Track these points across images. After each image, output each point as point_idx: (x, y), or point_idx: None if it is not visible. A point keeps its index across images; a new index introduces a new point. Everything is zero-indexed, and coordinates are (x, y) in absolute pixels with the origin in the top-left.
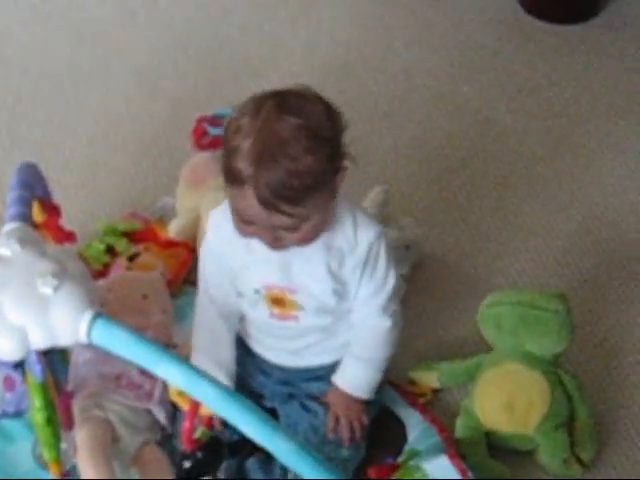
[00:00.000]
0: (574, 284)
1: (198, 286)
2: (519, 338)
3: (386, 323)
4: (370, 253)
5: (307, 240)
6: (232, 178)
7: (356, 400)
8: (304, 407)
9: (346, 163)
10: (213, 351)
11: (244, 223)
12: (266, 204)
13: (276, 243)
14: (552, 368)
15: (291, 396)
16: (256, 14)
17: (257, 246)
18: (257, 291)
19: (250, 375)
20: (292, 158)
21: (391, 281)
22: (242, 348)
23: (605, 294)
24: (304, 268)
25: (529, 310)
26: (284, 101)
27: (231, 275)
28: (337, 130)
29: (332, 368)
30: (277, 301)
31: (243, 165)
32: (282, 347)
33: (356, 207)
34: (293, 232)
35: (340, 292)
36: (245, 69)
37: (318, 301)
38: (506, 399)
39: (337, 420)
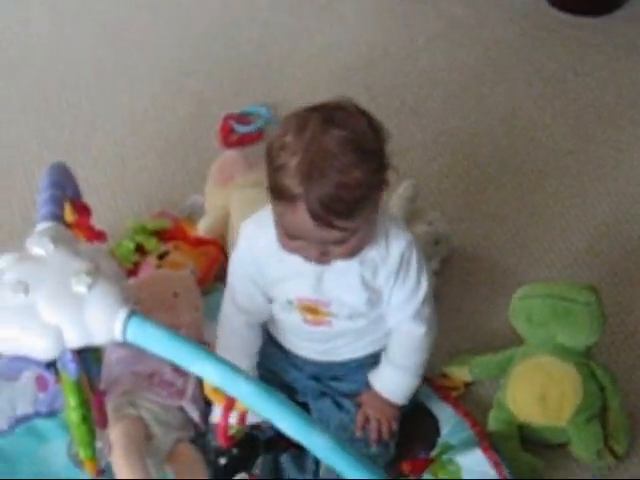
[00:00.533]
0: (604, 276)
1: (225, 297)
2: (550, 330)
3: (421, 329)
4: (402, 262)
5: (353, 254)
6: (281, 195)
7: (390, 404)
8: (336, 404)
9: (389, 175)
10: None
11: (290, 238)
12: (319, 219)
13: (322, 258)
14: (584, 360)
15: (323, 393)
16: (280, 12)
17: (291, 259)
18: (290, 302)
19: (283, 370)
20: (341, 171)
21: (424, 287)
22: (274, 344)
23: (635, 286)
24: (338, 281)
25: (560, 302)
26: (329, 115)
27: (263, 284)
28: (381, 141)
29: (363, 364)
30: (310, 310)
31: (292, 182)
32: (313, 348)
33: (386, 216)
34: (341, 245)
35: (374, 300)
36: (270, 67)
37: (351, 309)
38: (539, 391)
39: (367, 420)
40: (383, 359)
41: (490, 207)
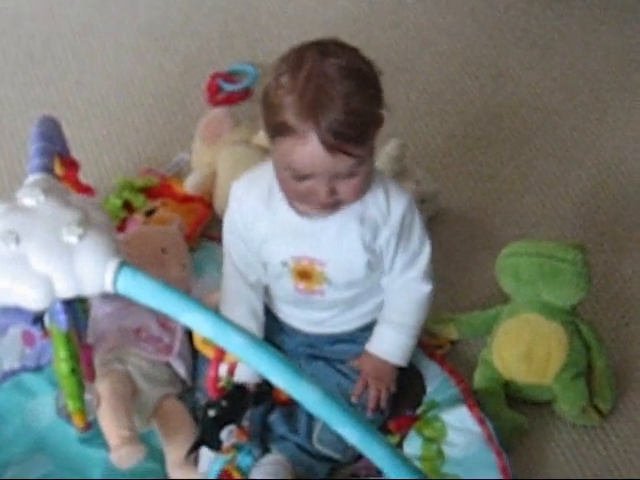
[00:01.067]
0: (590, 236)
1: (224, 258)
2: (537, 288)
3: (426, 288)
4: (404, 224)
5: (359, 192)
6: (288, 131)
7: (389, 367)
8: (330, 366)
9: (383, 113)
10: (243, 320)
11: (299, 179)
12: (331, 147)
13: (330, 199)
14: (570, 318)
15: (316, 357)
16: None
17: (286, 216)
18: (284, 263)
19: (272, 333)
20: (346, 96)
21: (427, 248)
22: (265, 309)
23: (621, 245)
24: (336, 240)
25: (547, 260)
26: (323, 48)
27: (256, 246)
28: (375, 72)
29: (356, 333)
30: (304, 274)
31: (300, 115)
32: (305, 317)
33: (385, 177)
34: (349, 180)
35: (373, 264)
36: (256, 25)
37: (348, 273)
38: (524, 349)
39: (365, 387)
40: (380, 322)
41: (476, 166)
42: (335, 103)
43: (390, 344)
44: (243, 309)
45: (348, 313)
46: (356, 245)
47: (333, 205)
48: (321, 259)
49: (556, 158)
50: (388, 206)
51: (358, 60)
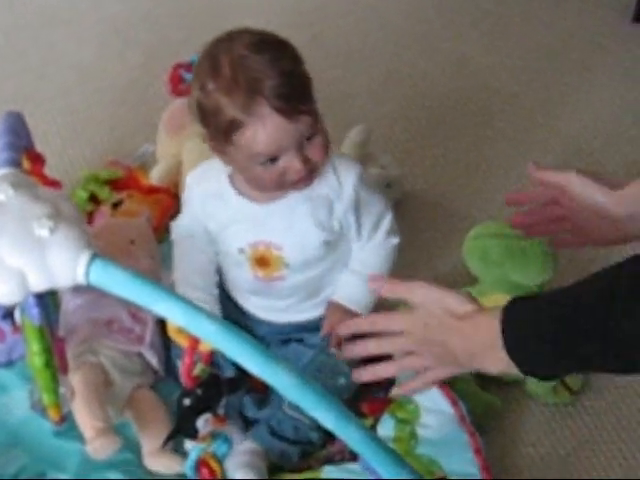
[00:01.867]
0: None
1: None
2: (505, 269)
3: (393, 241)
4: (358, 194)
5: (325, 148)
6: (239, 124)
7: (352, 315)
8: (301, 344)
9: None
10: (196, 280)
11: (270, 164)
12: (286, 111)
13: (306, 166)
14: None
15: (286, 342)
16: None
17: (237, 204)
18: (241, 250)
19: (237, 320)
20: (273, 63)
21: (387, 209)
22: (227, 300)
23: None
24: (288, 222)
25: (514, 241)
26: (228, 36)
27: (211, 236)
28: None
29: (321, 320)
30: (262, 261)
31: (244, 103)
32: (268, 305)
33: (332, 155)
34: (314, 140)
35: (331, 242)
36: (217, 14)
37: (305, 254)
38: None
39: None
40: (345, 273)
41: (440, 150)
42: (267, 74)
43: (354, 292)
44: (194, 269)
45: (311, 299)
46: (308, 225)
47: (309, 174)
48: (276, 243)
49: (519, 140)
50: (338, 180)
51: (262, 32)
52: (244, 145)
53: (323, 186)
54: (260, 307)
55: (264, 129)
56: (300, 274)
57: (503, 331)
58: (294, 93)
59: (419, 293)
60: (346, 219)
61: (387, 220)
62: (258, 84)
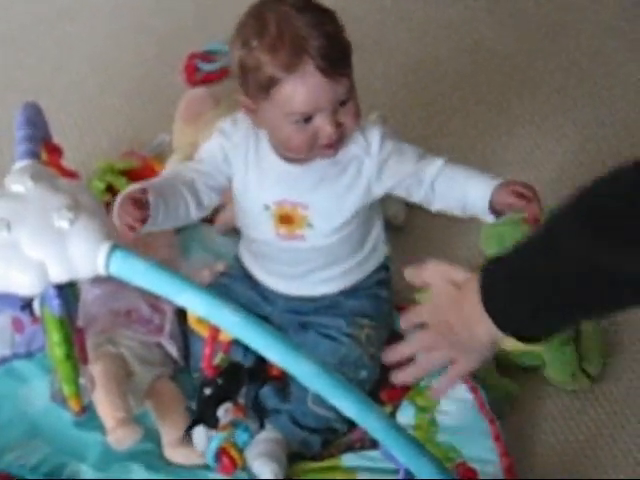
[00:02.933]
0: None
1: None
2: None
3: (439, 162)
4: (384, 145)
5: (358, 115)
6: (280, 79)
7: None
8: (321, 335)
9: None
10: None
11: (304, 123)
12: (327, 71)
13: (337, 130)
14: None
15: (304, 326)
16: None
17: (271, 160)
18: (267, 207)
19: (256, 305)
20: (318, 25)
21: (415, 147)
22: (244, 279)
23: None
24: (319, 184)
25: (532, 227)
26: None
27: (237, 188)
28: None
29: (337, 299)
30: (286, 218)
31: (288, 59)
32: (284, 272)
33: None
34: (348, 105)
35: (358, 210)
36: (231, 3)
37: (330, 217)
38: None
39: None
40: (461, 183)
41: (456, 138)
42: (313, 34)
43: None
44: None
45: (328, 270)
46: (337, 188)
47: (338, 140)
48: (303, 203)
49: (535, 125)
50: (365, 137)
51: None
52: (281, 101)
53: (353, 147)
54: (276, 274)
55: (304, 86)
56: (322, 237)
57: (482, 298)
58: (337, 55)
59: (430, 269)
60: (380, 172)
61: (419, 153)
62: (304, 42)
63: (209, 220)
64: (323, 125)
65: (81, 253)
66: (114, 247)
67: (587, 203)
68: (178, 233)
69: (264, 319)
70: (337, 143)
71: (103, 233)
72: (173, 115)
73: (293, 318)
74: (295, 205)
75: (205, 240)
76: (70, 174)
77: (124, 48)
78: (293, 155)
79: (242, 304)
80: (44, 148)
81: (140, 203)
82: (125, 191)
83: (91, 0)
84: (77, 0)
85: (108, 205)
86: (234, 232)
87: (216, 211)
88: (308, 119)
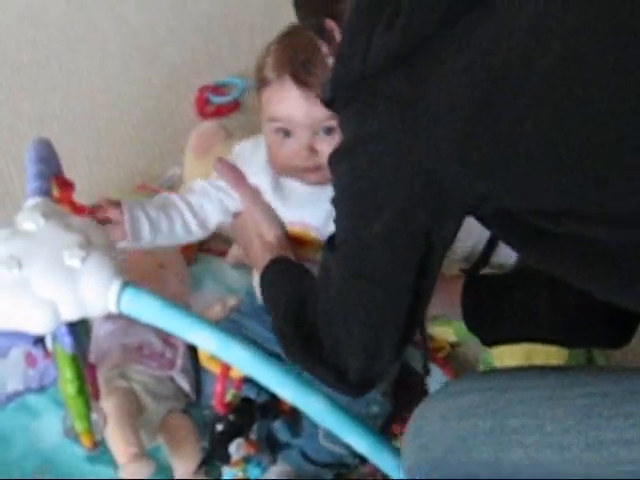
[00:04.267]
0: None
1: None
2: None
3: None
4: None
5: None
6: (265, 81)
7: None
8: None
9: None
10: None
11: (283, 135)
12: (301, 81)
13: (310, 157)
14: None
15: None
16: None
17: (290, 182)
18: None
19: (268, 342)
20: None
21: None
22: (256, 315)
23: None
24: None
25: None
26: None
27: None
28: None
29: None
30: (296, 240)
31: (274, 65)
32: None
33: None
34: (329, 137)
35: None
36: (245, 36)
37: None
38: (525, 350)
39: None
40: None
41: None
42: (308, 51)
43: None
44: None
45: None
46: None
47: (316, 169)
48: (315, 225)
49: None
50: None
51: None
52: (264, 102)
53: None
54: None
55: (282, 92)
56: None
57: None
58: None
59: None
60: None
61: None
62: (300, 54)
63: (221, 254)
64: (295, 144)
65: (92, 292)
66: (125, 285)
67: None
68: (190, 266)
69: (276, 357)
70: (315, 169)
71: (113, 270)
72: (184, 148)
73: None
74: (307, 227)
75: (217, 274)
76: (81, 209)
77: (135, 80)
78: (277, 170)
79: (254, 341)
80: (55, 183)
81: (115, 223)
82: (96, 208)
83: (102, 31)
84: (88, 31)
85: None
86: (246, 266)
87: (229, 244)
88: (287, 133)
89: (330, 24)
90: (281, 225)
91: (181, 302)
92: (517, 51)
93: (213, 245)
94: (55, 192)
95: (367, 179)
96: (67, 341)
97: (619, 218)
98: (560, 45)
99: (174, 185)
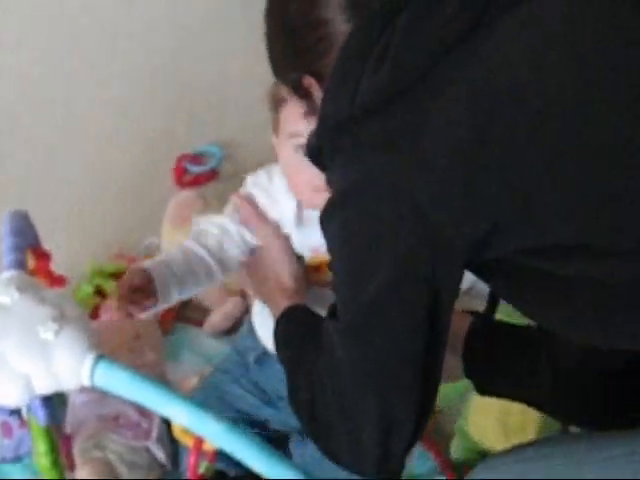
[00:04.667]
0: None
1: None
2: None
3: None
4: None
5: None
6: (280, 101)
7: None
8: None
9: None
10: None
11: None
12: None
13: None
14: None
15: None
16: (230, 56)
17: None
18: (299, 257)
19: (253, 407)
20: None
21: None
22: (240, 377)
23: None
24: None
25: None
26: None
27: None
28: None
29: None
30: (316, 267)
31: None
32: None
33: None
34: None
35: None
36: (224, 106)
37: None
38: (500, 416)
39: None
40: None
41: None
42: None
43: None
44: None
45: None
46: None
47: None
48: None
49: None
50: None
51: None
52: (282, 122)
53: None
54: None
55: (299, 108)
56: None
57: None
58: None
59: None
60: None
61: None
62: None
63: (199, 323)
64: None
65: (66, 365)
66: (98, 358)
67: None
68: (166, 335)
69: (261, 424)
70: None
71: (87, 344)
72: (162, 217)
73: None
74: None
75: (194, 343)
76: (58, 280)
77: (113, 149)
78: (299, 196)
79: (236, 410)
80: (32, 254)
81: (145, 291)
82: (125, 279)
83: (81, 98)
84: (67, 91)
85: (97, 308)
86: (223, 334)
87: (206, 314)
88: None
89: (309, 80)
90: (299, 265)
91: (157, 373)
92: (510, 85)
93: (190, 315)
94: (31, 263)
95: (360, 232)
96: (41, 414)
97: (630, 250)
98: (556, 79)
99: (151, 254)
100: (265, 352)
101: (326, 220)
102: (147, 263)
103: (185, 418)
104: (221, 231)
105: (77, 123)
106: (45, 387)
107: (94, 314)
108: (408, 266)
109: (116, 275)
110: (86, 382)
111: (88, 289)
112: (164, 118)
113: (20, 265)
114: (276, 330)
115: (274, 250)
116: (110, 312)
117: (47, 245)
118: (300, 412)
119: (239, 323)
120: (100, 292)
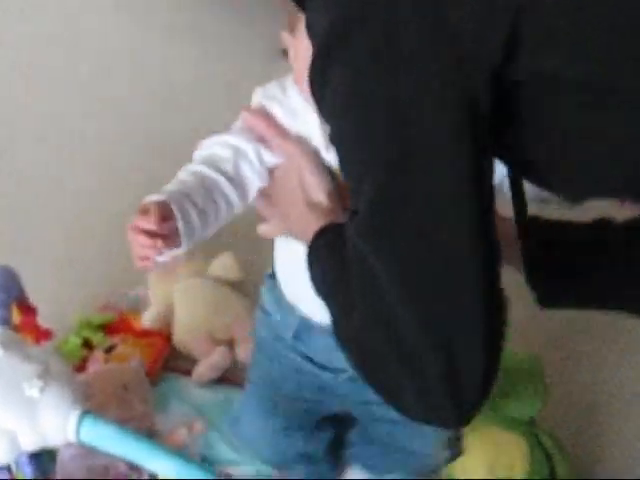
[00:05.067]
0: (541, 343)
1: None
2: (495, 403)
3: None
4: None
5: None
6: None
7: None
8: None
9: None
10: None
11: None
12: None
13: None
14: (529, 428)
15: (377, 419)
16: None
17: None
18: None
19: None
20: None
21: None
22: (291, 358)
23: (575, 351)
24: None
25: (503, 374)
26: None
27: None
28: None
29: None
30: None
31: None
32: None
33: None
34: None
35: None
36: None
37: None
38: (488, 462)
39: None
40: None
41: None
42: None
43: None
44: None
45: None
46: None
47: None
48: None
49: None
50: None
51: None
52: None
53: None
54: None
55: None
56: None
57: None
58: None
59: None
60: None
61: None
62: None
63: (187, 372)
64: None
65: (52, 422)
66: (83, 414)
67: None
68: (154, 386)
69: (323, 389)
70: None
71: (72, 400)
72: None
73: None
74: None
75: (183, 393)
76: (45, 334)
77: (98, 202)
78: None
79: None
80: (18, 309)
81: (162, 221)
82: (150, 213)
83: (63, 149)
84: (49, 151)
85: (84, 360)
86: (212, 384)
87: (194, 363)
88: None
89: None
90: (331, 179)
91: (146, 424)
92: None
93: (178, 364)
94: (17, 318)
95: (376, 70)
96: (28, 470)
97: None
98: None
99: (139, 305)
100: (302, 322)
101: (320, 74)
102: (164, 191)
103: (173, 472)
104: (235, 153)
105: (55, 174)
106: (31, 443)
107: (81, 366)
108: (446, 92)
109: (104, 326)
110: (72, 438)
111: (75, 341)
112: (150, 171)
113: (5, 322)
114: (310, 252)
115: (302, 166)
116: (97, 364)
117: (33, 297)
118: (362, 374)
119: (227, 373)
120: (87, 344)
